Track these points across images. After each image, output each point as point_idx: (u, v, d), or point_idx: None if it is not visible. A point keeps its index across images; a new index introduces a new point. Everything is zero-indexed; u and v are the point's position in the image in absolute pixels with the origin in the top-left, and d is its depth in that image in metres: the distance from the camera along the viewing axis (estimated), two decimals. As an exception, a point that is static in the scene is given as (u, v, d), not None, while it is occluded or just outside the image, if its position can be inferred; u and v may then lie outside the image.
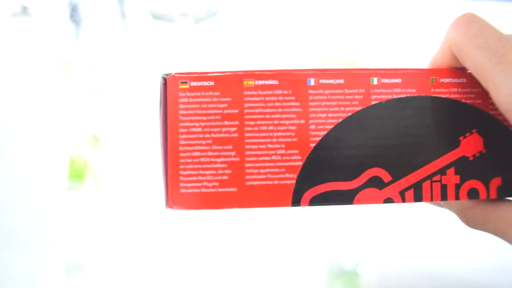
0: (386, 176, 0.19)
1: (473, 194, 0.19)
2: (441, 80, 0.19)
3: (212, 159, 0.19)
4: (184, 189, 0.18)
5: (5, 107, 1.90)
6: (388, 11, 2.05)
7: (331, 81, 0.19)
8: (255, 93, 0.19)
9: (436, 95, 0.19)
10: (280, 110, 0.19)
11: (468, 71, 0.19)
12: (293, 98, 0.19)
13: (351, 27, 2.03)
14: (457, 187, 0.19)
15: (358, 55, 2.02)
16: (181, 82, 0.19)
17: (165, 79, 0.19)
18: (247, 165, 0.19)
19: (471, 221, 0.20)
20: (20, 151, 1.87)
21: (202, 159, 0.19)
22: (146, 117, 1.88)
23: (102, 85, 2.03)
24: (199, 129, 0.19)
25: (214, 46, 1.96)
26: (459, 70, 0.20)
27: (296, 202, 0.19)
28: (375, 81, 0.19)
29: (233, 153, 0.19)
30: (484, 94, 0.19)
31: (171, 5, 1.82)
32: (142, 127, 1.85)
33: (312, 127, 0.19)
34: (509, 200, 0.19)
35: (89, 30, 1.94)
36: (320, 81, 0.19)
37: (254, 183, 0.19)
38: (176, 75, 0.19)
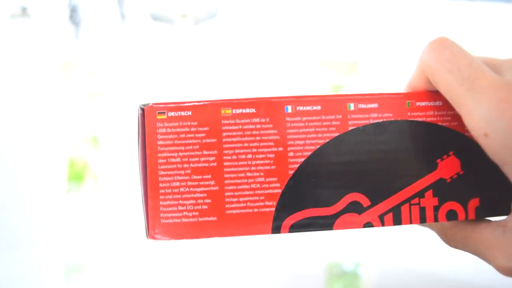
0: (365, 201, 0.19)
1: (451, 216, 0.19)
2: (417, 103, 0.20)
3: (191, 189, 0.19)
4: (165, 220, 0.18)
5: (4, 108, 1.89)
6: (388, 11, 2.05)
7: (308, 108, 0.19)
8: (232, 121, 0.19)
9: (412, 119, 0.19)
10: (258, 138, 0.19)
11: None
12: (271, 126, 0.19)
13: (351, 27, 2.03)
14: (436, 209, 0.19)
15: (358, 55, 2.02)
16: (159, 113, 0.19)
17: (143, 110, 0.19)
18: (226, 194, 0.19)
19: (451, 241, 0.20)
20: (19, 153, 1.87)
21: (182, 189, 0.19)
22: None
23: (102, 86, 2.03)
24: (178, 159, 0.19)
25: (214, 47, 1.95)
26: (434, 93, 0.20)
27: (276, 229, 0.19)
28: (351, 106, 0.19)
29: (212, 182, 0.19)
30: (459, 116, 0.19)
31: (170, 6, 1.82)
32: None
33: (291, 154, 0.19)
34: (488, 221, 0.19)
35: (88, 31, 1.94)
36: (297, 108, 0.19)
37: (234, 211, 0.19)
38: (153, 105, 0.19)
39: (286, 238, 0.46)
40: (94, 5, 1.96)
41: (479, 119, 0.17)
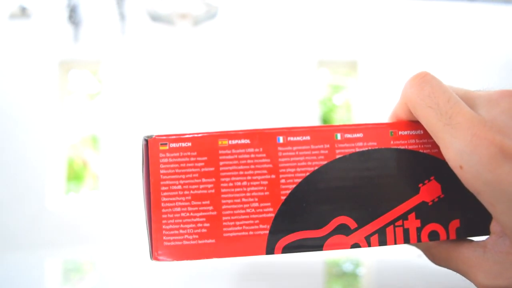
0: (352, 224, 0.20)
1: (434, 236, 0.21)
2: (400, 132, 0.21)
3: (191, 214, 0.20)
4: (167, 242, 0.20)
5: (3, 108, 1.89)
6: (388, 11, 2.05)
7: (298, 138, 0.21)
8: (229, 151, 0.20)
9: (395, 147, 0.21)
10: (252, 166, 0.20)
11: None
12: (264, 155, 0.20)
13: (351, 28, 2.03)
14: (419, 230, 0.21)
15: (358, 56, 2.03)
16: (161, 144, 0.20)
17: (146, 141, 0.21)
18: (224, 218, 0.20)
19: (436, 259, 0.22)
20: (18, 153, 1.86)
21: (183, 214, 0.20)
22: (145, 118, 1.88)
23: (101, 87, 2.03)
24: (179, 187, 0.20)
25: (213, 48, 1.95)
26: (415, 123, 0.21)
27: (270, 250, 0.20)
28: (338, 136, 0.21)
29: (210, 208, 0.20)
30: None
31: (170, 6, 1.83)
32: (141, 127, 1.85)
33: (282, 181, 0.20)
34: (469, 241, 0.20)
35: (88, 32, 1.94)
36: (288, 138, 0.21)
37: (231, 234, 0.20)
38: (156, 137, 0.21)
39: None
40: (93, 6, 1.96)
41: (454, 152, 0.18)
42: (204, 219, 0.20)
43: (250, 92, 1.93)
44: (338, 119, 2.94)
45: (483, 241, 0.20)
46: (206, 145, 0.20)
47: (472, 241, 0.20)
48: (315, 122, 1.94)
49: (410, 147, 0.21)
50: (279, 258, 0.39)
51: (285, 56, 1.98)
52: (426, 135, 0.21)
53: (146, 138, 0.21)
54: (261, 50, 1.97)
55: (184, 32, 1.90)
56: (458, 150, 0.18)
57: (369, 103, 1.98)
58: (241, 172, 0.20)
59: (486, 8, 2.07)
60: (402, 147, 0.21)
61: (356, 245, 0.20)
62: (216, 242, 0.20)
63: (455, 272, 0.21)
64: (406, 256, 0.40)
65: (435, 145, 0.21)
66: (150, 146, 0.20)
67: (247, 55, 1.97)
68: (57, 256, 0.52)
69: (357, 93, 2.07)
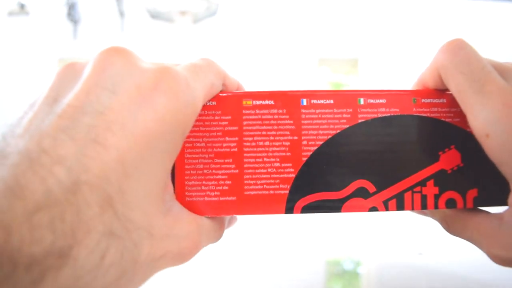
0: (371, 187, 0.21)
1: (451, 204, 0.21)
2: (422, 100, 0.21)
3: (214, 171, 0.20)
4: (189, 198, 0.20)
5: (1, 106, 1.89)
6: (389, 9, 2.05)
7: (321, 101, 0.21)
8: (252, 112, 0.21)
9: (417, 114, 0.21)
10: (275, 127, 0.21)
11: (448, 92, 0.21)
12: (287, 116, 0.21)
13: (352, 26, 2.02)
14: (436, 197, 0.21)
15: (359, 53, 2.02)
16: None
17: None
18: (245, 176, 0.20)
19: (451, 228, 0.22)
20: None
21: (205, 171, 0.20)
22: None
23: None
24: (203, 144, 0.21)
25: (213, 45, 1.95)
26: (439, 91, 0.21)
27: (289, 210, 0.20)
28: (361, 101, 0.21)
29: (233, 166, 0.20)
30: (461, 113, 0.20)
31: (169, 4, 1.82)
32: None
33: (304, 143, 0.21)
34: (486, 212, 0.21)
35: (87, 29, 1.94)
36: (312, 101, 0.21)
37: (252, 192, 0.20)
38: None
39: (285, 237, 0.45)
40: (92, 3, 1.96)
41: (482, 120, 0.18)
42: (226, 176, 0.20)
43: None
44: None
45: (500, 213, 0.19)
46: (231, 105, 0.21)
47: (488, 212, 0.21)
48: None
49: (432, 115, 0.21)
50: (280, 258, 0.38)
51: (285, 54, 1.97)
52: (449, 104, 0.21)
53: None
54: (261, 47, 1.97)
55: (184, 29, 1.89)
56: (487, 118, 0.18)
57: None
58: (264, 132, 0.21)
59: (488, 5, 2.06)
60: (424, 115, 0.21)
61: (374, 209, 0.21)
62: (237, 200, 0.20)
63: (454, 273, 0.20)
64: (407, 256, 0.40)
65: (457, 115, 0.21)
66: None
67: (248, 52, 1.96)
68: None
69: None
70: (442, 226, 0.23)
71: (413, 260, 0.38)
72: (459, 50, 0.19)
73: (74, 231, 0.13)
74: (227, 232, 0.23)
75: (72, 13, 1.89)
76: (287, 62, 1.97)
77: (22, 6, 1.87)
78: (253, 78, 1.94)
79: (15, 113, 0.18)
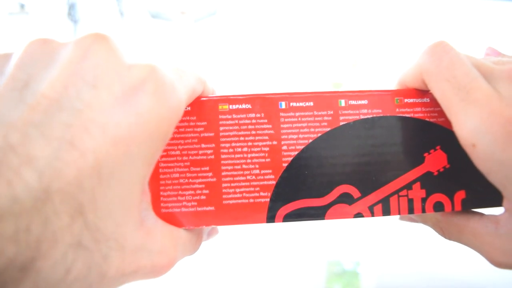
0: (355, 192, 0.20)
1: (438, 207, 0.20)
2: (405, 100, 0.20)
3: (190, 180, 0.20)
4: (165, 209, 0.19)
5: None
6: (388, 9, 2.05)
7: (301, 104, 0.20)
8: (229, 116, 0.20)
9: (401, 115, 0.20)
10: (253, 132, 0.20)
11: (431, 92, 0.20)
12: (266, 120, 0.20)
13: (351, 25, 2.02)
14: (423, 200, 0.20)
15: (358, 53, 2.02)
16: None
17: None
18: (223, 185, 0.20)
19: (446, 234, 0.21)
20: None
21: (181, 180, 0.20)
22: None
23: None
24: (178, 152, 0.20)
25: (213, 45, 1.95)
26: (422, 91, 0.21)
27: (270, 218, 0.20)
28: (342, 103, 0.20)
29: (210, 174, 0.20)
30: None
31: (169, 3, 1.82)
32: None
33: (284, 147, 0.20)
34: (480, 214, 0.20)
35: (87, 29, 1.93)
36: (291, 104, 0.20)
37: (231, 201, 0.20)
38: None
39: (285, 237, 0.46)
40: (92, 3, 1.95)
41: (468, 130, 0.17)
42: (203, 185, 0.20)
43: (250, 90, 1.93)
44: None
45: (494, 216, 0.19)
46: (206, 110, 0.20)
47: (482, 214, 0.20)
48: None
49: (416, 115, 0.20)
50: (280, 258, 0.38)
51: (285, 54, 1.97)
52: (433, 103, 0.20)
53: None
54: (261, 47, 1.97)
55: (184, 29, 1.89)
56: (473, 128, 0.17)
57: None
58: (241, 138, 0.20)
59: (487, 4, 2.06)
60: (408, 115, 0.20)
61: (359, 215, 0.20)
62: (215, 210, 0.20)
63: (455, 273, 0.20)
64: (406, 257, 0.40)
65: (442, 114, 0.20)
66: None
67: (247, 52, 1.96)
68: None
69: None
70: (437, 232, 0.22)
71: (412, 261, 0.38)
72: (444, 55, 0.19)
73: (39, 243, 0.12)
74: (225, 231, 0.22)
75: (72, 13, 1.88)
76: (287, 62, 1.97)
77: (22, 6, 1.86)
78: (253, 78, 1.94)
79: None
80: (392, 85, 0.23)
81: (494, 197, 0.19)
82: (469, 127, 0.17)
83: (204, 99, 0.20)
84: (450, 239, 0.21)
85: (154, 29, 2.02)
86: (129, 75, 0.15)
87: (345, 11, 2.11)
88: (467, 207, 0.20)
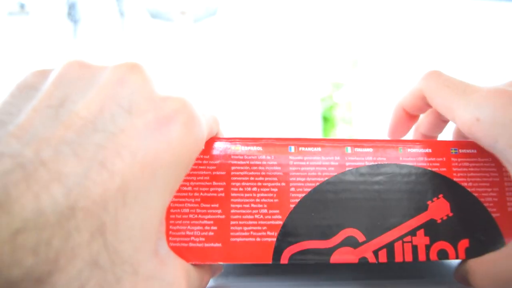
0: (360, 236, 0.20)
1: (442, 255, 0.20)
2: (408, 150, 0.21)
3: (200, 216, 0.20)
4: (173, 243, 0.20)
5: (2, 106, 1.89)
6: (388, 9, 2.05)
7: (309, 149, 0.21)
8: (241, 157, 0.21)
9: (404, 163, 0.21)
10: (263, 173, 0.21)
11: (434, 140, 0.22)
12: (275, 163, 0.21)
13: (352, 25, 2.02)
14: (427, 248, 0.20)
15: (359, 53, 2.02)
16: None
17: None
18: (232, 222, 0.20)
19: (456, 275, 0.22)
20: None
21: (191, 216, 0.20)
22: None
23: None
24: (189, 188, 0.20)
25: (213, 45, 1.95)
26: (424, 142, 0.22)
27: (276, 258, 0.20)
28: (349, 150, 0.21)
29: (219, 211, 0.20)
30: (447, 163, 0.21)
31: (169, 3, 1.82)
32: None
33: (292, 189, 0.21)
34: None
35: (87, 29, 1.93)
36: (300, 148, 0.21)
37: (238, 239, 0.20)
38: None
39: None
40: (92, 3, 1.95)
41: (471, 109, 0.19)
42: (212, 222, 0.20)
43: (250, 90, 1.93)
44: (338, 117, 2.93)
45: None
46: (220, 150, 0.21)
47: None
48: (317, 119, 1.93)
49: (419, 164, 0.21)
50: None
51: (286, 53, 1.97)
52: (435, 153, 0.21)
53: None
54: (261, 47, 1.97)
55: (184, 29, 1.89)
56: (475, 106, 0.19)
57: (369, 101, 1.97)
58: (251, 178, 0.20)
59: (489, 5, 2.06)
60: (411, 164, 0.21)
61: (363, 259, 0.20)
62: (222, 246, 0.20)
63: (454, 272, 0.21)
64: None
65: (443, 164, 0.21)
66: None
67: (248, 52, 1.96)
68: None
69: (357, 91, 2.06)
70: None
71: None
72: (440, 75, 0.21)
73: (57, 257, 0.12)
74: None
75: (72, 13, 1.88)
76: (287, 62, 1.97)
77: (22, 6, 1.86)
78: (253, 77, 1.94)
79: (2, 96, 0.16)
80: (391, 109, 0.25)
81: (496, 245, 0.20)
82: (472, 107, 0.19)
83: (218, 139, 0.21)
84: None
85: (154, 29, 2.01)
86: (163, 106, 0.15)
87: (345, 11, 2.10)
88: (471, 256, 0.20)
